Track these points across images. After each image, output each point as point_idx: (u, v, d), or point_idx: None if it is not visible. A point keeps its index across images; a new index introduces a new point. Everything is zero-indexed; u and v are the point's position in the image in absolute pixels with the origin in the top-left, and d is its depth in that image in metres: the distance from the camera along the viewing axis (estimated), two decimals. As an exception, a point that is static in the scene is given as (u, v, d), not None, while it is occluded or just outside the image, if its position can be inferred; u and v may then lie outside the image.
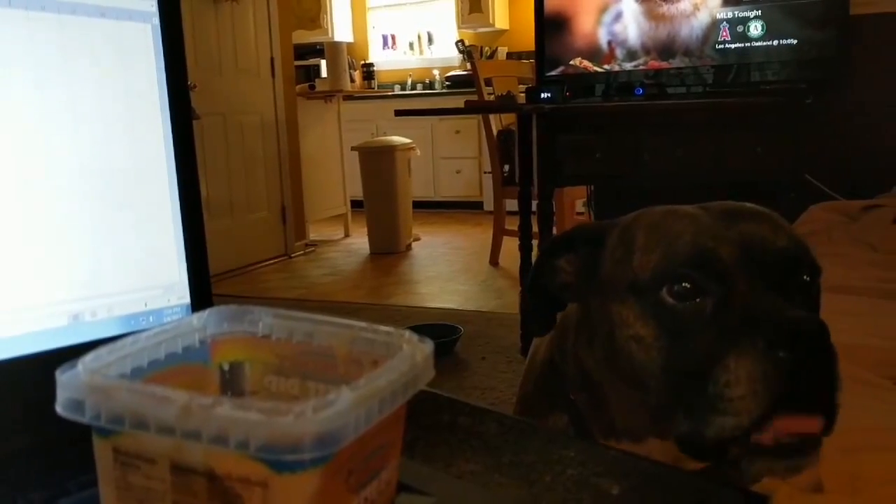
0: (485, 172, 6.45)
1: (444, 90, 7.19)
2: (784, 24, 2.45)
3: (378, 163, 4.97)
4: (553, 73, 2.79)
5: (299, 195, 5.15)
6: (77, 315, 0.56)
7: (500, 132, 4.29)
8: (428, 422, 0.58)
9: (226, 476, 0.31)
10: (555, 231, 2.72)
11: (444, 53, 7.55)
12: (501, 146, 4.26)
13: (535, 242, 2.73)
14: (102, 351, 0.36)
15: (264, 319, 0.43)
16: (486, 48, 7.24)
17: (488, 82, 4.10)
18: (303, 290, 4.10)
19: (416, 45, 7.77)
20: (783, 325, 0.57)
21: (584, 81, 2.76)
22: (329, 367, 0.41)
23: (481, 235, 5.29)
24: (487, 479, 0.49)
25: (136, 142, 0.60)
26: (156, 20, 0.60)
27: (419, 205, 5.81)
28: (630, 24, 2.66)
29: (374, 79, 7.47)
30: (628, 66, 2.68)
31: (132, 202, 0.60)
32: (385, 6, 7.79)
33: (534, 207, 2.65)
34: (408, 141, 5.15)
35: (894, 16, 2.70)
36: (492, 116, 4.38)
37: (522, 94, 3.28)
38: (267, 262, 4.77)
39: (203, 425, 0.30)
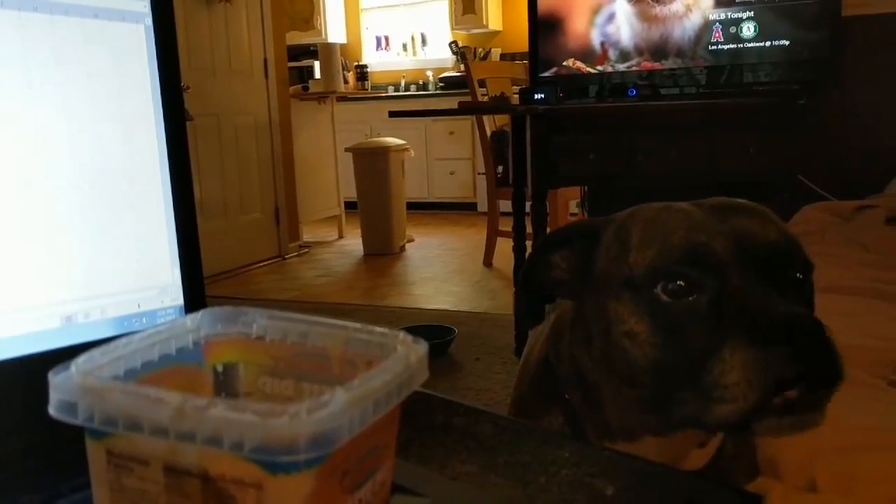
0: (478, 173, 6.45)
1: (437, 91, 7.19)
2: (777, 25, 2.46)
3: (372, 164, 4.97)
4: (546, 74, 2.79)
5: (293, 196, 5.14)
6: (70, 317, 0.56)
7: (493, 133, 4.30)
8: (423, 423, 0.58)
9: (220, 477, 0.31)
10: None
11: (437, 54, 7.55)
12: (495, 147, 4.27)
13: (528, 243, 2.73)
14: (95, 352, 0.36)
15: (258, 321, 0.42)
16: (480, 49, 7.24)
17: (482, 83, 4.10)
18: (296, 291, 4.10)
19: (409, 47, 7.77)
20: (777, 320, 0.58)
21: (577, 82, 2.76)
22: (323, 368, 0.41)
23: (475, 236, 5.29)
24: (482, 480, 0.49)
25: (129, 143, 0.60)
26: (148, 21, 0.60)
27: (413, 206, 5.81)
28: (623, 26, 2.66)
29: (367, 80, 7.46)
30: (621, 67, 2.68)
31: (125, 203, 0.60)
32: (378, 7, 7.78)
33: (528, 208, 2.65)
34: (401, 142, 5.15)
35: (886, 17, 2.71)
36: (485, 117, 4.38)
37: (516, 96, 3.28)
38: (260, 264, 4.76)
39: (197, 427, 0.30)
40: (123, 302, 0.59)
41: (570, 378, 0.78)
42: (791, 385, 0.57)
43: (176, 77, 0.63)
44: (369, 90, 7.42)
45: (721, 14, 2.52)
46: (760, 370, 0.57)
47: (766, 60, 2.49)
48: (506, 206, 3.25)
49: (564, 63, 2.77)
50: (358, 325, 0.40)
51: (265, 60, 4.88)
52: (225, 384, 0.42)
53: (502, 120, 4.20)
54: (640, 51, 2.65)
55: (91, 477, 0.34)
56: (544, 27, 2.79)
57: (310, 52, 6.97)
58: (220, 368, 0.42)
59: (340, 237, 5.67)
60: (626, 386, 0.68)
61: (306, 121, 5.41)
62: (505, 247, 3.79)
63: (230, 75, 4.61)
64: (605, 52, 2.70)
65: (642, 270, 0.65)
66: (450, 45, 7.22)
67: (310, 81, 6.13)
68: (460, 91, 5.90)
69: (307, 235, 5.46)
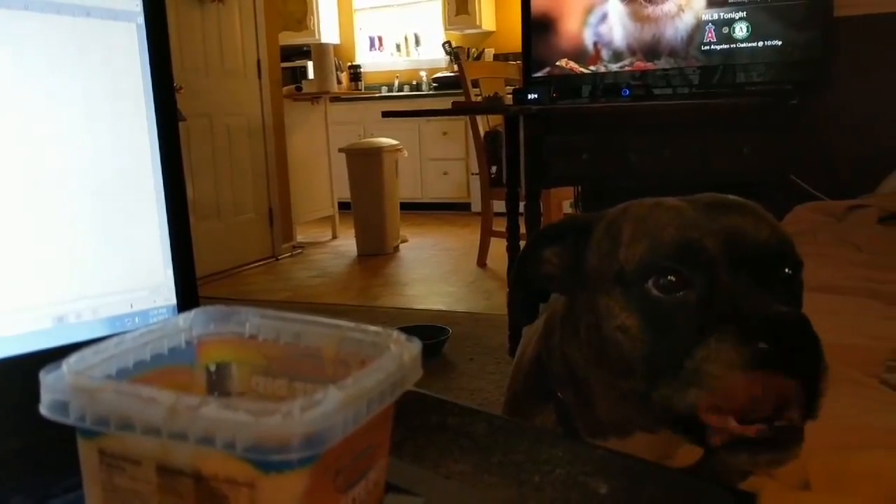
0: (472, 174, 6.46)
1: (431, 91, 7.19)
2: (769, 25, 2.47)
3: (365, 164, 4.96)
4: (539, 74, 2.79)
5: (286, 197, 5.13)
6: (62, 317, 0.55)
7: (487, 133, 4.30)
8: (416, 422, 0.58)
9: (212, 477, 0.31)
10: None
11: (430, 55, 7.55)
12: (488, 147, 4.27)
13: (522, 243, 2.72)
14: (87, 352, 0.36)
15: (251, 320, 0.42)
16: (473, 49, 7.25)
17: (475, 83, 4.10)
18: (290, 292, 4.09)
19: (402, 47, 7.77)
20: (764, 318, 0.58)
21: (570, 82, 2.77)
22: (317, 367, 0.40)
23: (469, 237, 5.29)
24: (476, 480, 0.49)
25: (121, 143, 0.60)
26: (140, 20, 0.60)
27: (406, 206, 5.81)
28: (615, 26, 2.67)
29: (360, 80, 7.46)
30: (614, 67, 2.69)
31: (117, 203, 0.59)
32: (372, 8, 7.78)
33: (521, 208, 2.65)
34: (395, 142, 5.15)
35: (877, 17, 2.72)
36: (479, 118, 4.38)
37: (509, 96, 3.28)
38: (254, 264, 4.76)
39: (189, 426, 0.30)
40: (115, 302, 0.59)
41: (562, 375, 0.78)
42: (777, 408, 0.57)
43: (168, 77, 0.63)
44: (363, 90, 7.42)
45: (713, 14, 2.53)
46: (744, 366, 0.57)
47: (759, 61, 2.50)
48: (499, 206, 3.25)
49: (557, 63, 2.77)
50: (351, 325, 0.40)
51: (258, 61, 4.88)
52: (218, 384, 0.42)
53: (496, 120, 4.21)
54: (632, 51, 2.65)
55: (83, 477, 0.34)
56: (538, 27, 2.80)
57: (303, 52, 6.96)
58: (212, 368, 0.42)
59: (334, 238, 5.67)
60: (618, 379, 0.69)
61: (300, 121, 5.40)
62: (499, 247, 3.79)
63: (223, 75, 4.60)
64: (597, 52, 2.71)
65: (633, 266, 0.66)
66: (443, 45, 7.23)
67: (303, 82, 6.13)
68: (454, 91, 5.91)
69: (301, 236, 5.45)
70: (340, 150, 5.15)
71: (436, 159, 6.91)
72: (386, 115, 3.14)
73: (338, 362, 0.40)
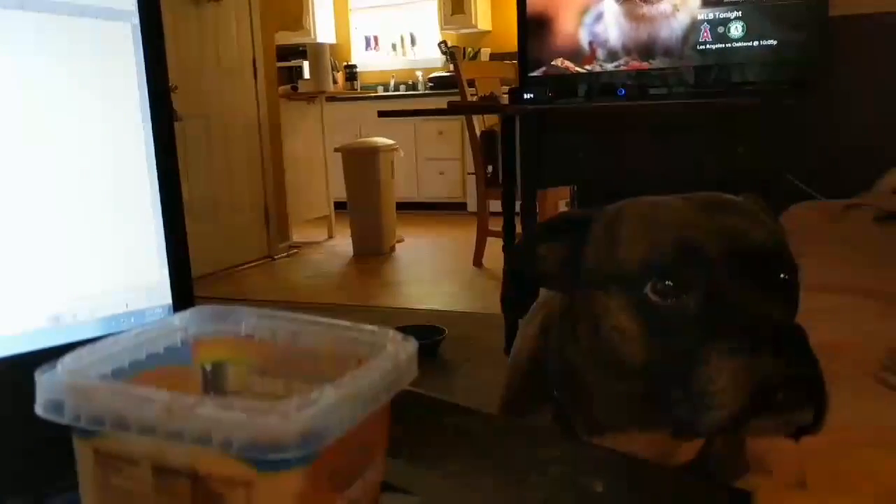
0: (468, 173, 6.45)
1: (427, 91, 7.18)
2: (764, 25, 2.47)
3: (361, 164, 4.96)
4: (535, 73, 2.79)
5: (282, 197, 5.13)
6: (57, 316, 0.55)
7: (483, 133, 4.30)
8: (413, 421, 0.58)
9: (208, 476, 0.31)
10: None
11: (426, 54, 7.55)
12: (485, 147, 4.27)
13: (518, 243, 2.72)
14: (82, 352, 0.36)
15: (247, 320, 0.42)
16: (469, 49, 7.25)
17: (471, 83, 4.10)
18: (286, 292, 4.09)
19: (398, 47, 7.76)
20: (764, 329, 0.58)
21: (566, 82, 2.77)
22: (313, 366, 0.40)
23: (465, 236, 5.28)
24: (473, 479, 0.49)
25: (116, 143, 0.60)
26: (135, 19, 0.60)
27: (403, 206, 5.80)
28: (611, 25, 2.67)
29: (357, 80, 7.45)
30: (609, 66, 2.69)
31: (113, 203, 0.59)
32: (368, 7, 7.77)
33: (517, 208, 2.65)
34: (391, 142, 5.14)
35: (872, 17, 2.73)
36: (475, 117, 4.38)
37: (505, 95, 3.28)
38: (250, 264, 4.75)
39: (185, 425, 0.30)
40: (111, 301, 0.59)
41: (559, 374, 0.78)
42: (776, 390, 0.58)
43: (163, 76, 0.63)
44: (359, 90, 7.41)
45: (709, 14, 2.53)
46: (746, 376, 0.57)
47: (754, 60, 2.50)
48: (495, 205, 3.25)
49: (553, 63, 2.77)
50: (347, 324, 0.40)
51: (254, 60, 4.87)
52: (213, 383, 0.42)
53: (492, 120, 4.21)
54: (627, 50, 2.66)
55: (79, 477, 0.34)
56: (533, 27, 2.80)
57: (299, 52, 6.95)
58: (208, 368, 0.42)
59: (330, 238, 5.66)
60: (616, 380, 0.68)
61: (295, 121, 5.39)
62: (495, 247, 3.79)
63: (219, 75, 4.60)
64: (593, 51, 2.71)
65: (632, 266, 0.65)
66: (439, 45, 7.22)
67: (299, 81, 6.12)
68: (450, 91, 5.90)
69: (297, 236, 5.44)
70: (336, 150, 5.15)
71: (432, 159, 6.90)
72: (382, 114, 3.14)
73: (334, 361, 0.40)
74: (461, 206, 6.75)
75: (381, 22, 7.76)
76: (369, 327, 0.40)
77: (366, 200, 4.94)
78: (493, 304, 3.52)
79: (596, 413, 0.75)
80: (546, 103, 2.62)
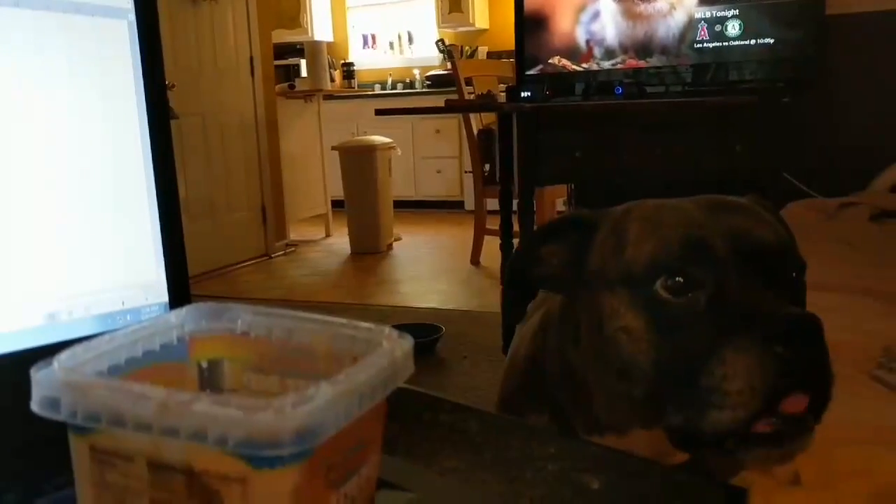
0: (465, 172, 6.45)
1: (424, 90, 7.18)
2: (761, 23, 2.47)
3: (359, 162, 4.96)
4: (532, 71, 2.79)
5: (279, 195, 5.13)
6: (53, 314, 0.55)
7: (480, 131, 4.30)
8: (409, 419, 0.58)
9: (204, 473, 0.31)
10: (535, 230, 2.72)
11: (424, 53, 7.54)
12: (482, 145, 4.27)
13: (516, 241, 2.73)
14: (78, 349, 0.36)
15: (243, 317, 0.42)
16: (467, 47, 7.24)
17: (469, 82, 4.10)
18: (283, 290, 4.09)
19: (396, 45, 7.76)
20: (781, 321, 0.58)
21: (563, 80, 2.77)
22: (309, 364, 0.40)
23: (462, 235, 5.29)
24: (468, 476, 0.50)
25: (113, 140, 0.60)
26: (131, 16, 0.60)
27: (400, 204, 5.80)
28: (608, 23, 2.67)
29: (354, 78, 7.44)
30: (606, 64, 2.69)
31: (109, 201, 0.59)
32: (365, 6, 7.76)
33: (515, 207, 2.65)
34: (388, 140, 5.14)
35: (869, 15, 2.73)
36: (472, 116, 4.38)
37: (503, 94, 3.28)
38: (247, 263, 4.75)
39: (181, 422, 0.30)
40: (107, 299, 0.59)
41: (558, 375, 0.78)
42: (787, 392, 0.57)
43: (160, 74, 0.63)
44: (356, 88, 7.41)
45: (706, 12, 2.53)
46: (764, 376, 0.57)
47: (751, 58, 2.50)
48: (493, 204, 3.25)
49: (550, 61, 2.77)
50: (343, 321, 0.40)
51: (251, 58, 4.86)
52: (209, 380, 0.42)
53: (489, 118, 4.20)
54: (624, 49, 2.66)
55: (74, 473, 0.34)
56: (530, 25, 2.80)
57: (296, 50, 6.95)
58: (204, 365, 0.42)
59: (327, 236, 5.66)
60: (618, 381, 0.68)
61: (293, 119, 5.39)
62: (492, 245, 3.79)
63: (216, 73, 4.59)
64: (590, 49, 2.71)
65: (640, 265, 0.65)
66: (436, 43, 7.22)
67: (296, 80, 6.11)
68: (447, 89, 5.90)
69: (294, 234, 5.44)
70: (334, 148, 5.14)
71: (429, 157, 6.90)
72: (379, 112, 3.14)
73: (330, 359, 0.40)
74: (458, 205, 6.75)
75: (379, 20, 7.76)
76: (365, 324, 0.40)
77: (363, 199, 4.94)
78: (491, 303, 3.54)
79: (596, 413, 0.75)
80: (543, 101, 2.62)
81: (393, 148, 5.15)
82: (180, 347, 0.41)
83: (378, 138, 5.12)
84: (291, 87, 5.68)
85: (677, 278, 0.63)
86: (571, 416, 0.78)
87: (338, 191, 5.25)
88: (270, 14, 5.28)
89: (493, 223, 3.26)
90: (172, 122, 0.62)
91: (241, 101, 4.81)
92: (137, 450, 0.32)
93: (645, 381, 0.65)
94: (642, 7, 2.60)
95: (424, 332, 2.95)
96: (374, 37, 7.84)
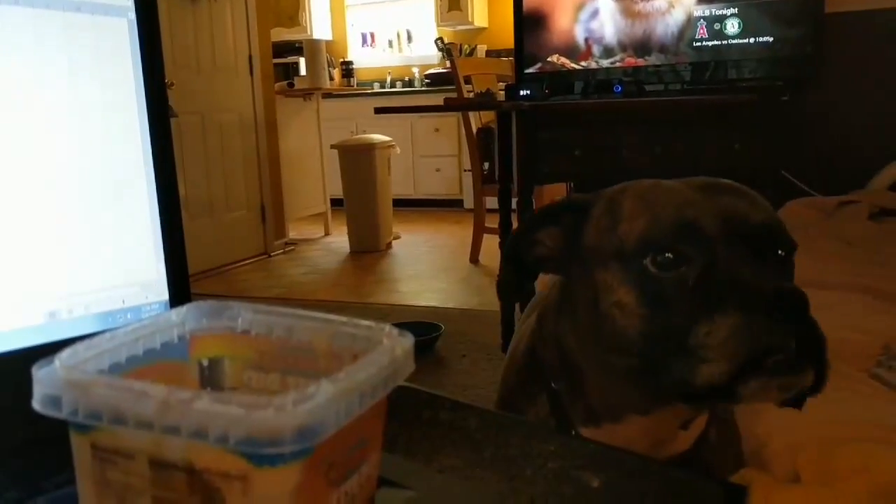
0: (464, 170, 6.45)
1: (423, 88, 7.18)
2: (760, 21, 2.47)
3: (358, 161, 4.96)
4: (531, 69, 2.79)
5: (279, 194, 5.12)
6: (54, 312, 0.55)
7: (479, 130, 4.30)
8: (409, 417, 0.58)
9: (205, 470, 0.31)
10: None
11: (423, 51, 7.54)
12: (481, 144, 4.27)
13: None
14: (79, 347, 0.36)
15: (243, 315, 0.42)
16: (466, 46, 7.24)
17: (468, 80, 4.10)
18: (282, 289, 4.09)
19: (395, 43, 7.75)
20: (766, 292, 0.59)
21: (562, 79, 2.77)
22: (309, 361, 0.41)
23: (461, 233, 5.29)
24: (468, 474, 0.50)
25: (112, 139, 0.60)
26: (132, 15, 0.60)
27: (399, 203, 5.81)
28: (606, 22, 2.67)
29: (353, 77, 7.44)
30: (605, 63, 2.69)
31: (109, 199, 0.59)
32: (364, 4, 7.76)
33: (514, 205, 2.65)
34: (387, 139, 5.14)
35: (868, 13, 2.73)
36: (471, 114, 4.38)
37: (502, 92, 3.28)
38: (246, 261, 4.75)
39: (182, 420, 0.30)
40: (108, 298, 0.59)
41: (555, 363, 0.79)
42: (775, 352, 0.58)
43: (160, 73, 0.63)
44: (355, 87, 7.41)
45: (704, 10, 2.53)
46: (747, 335, 0.58)
47: (750, 57, 2.50)
48: (492, 202, 3.25)
49: (549, 59, 2.77)
50: (343, 319, 0.40)
51: (250, 57, 4.86)
52: (210, 378, 0.42)
53: (488, 116, 4.20)
54: (623, 47, 2.66)
55: (76, 471, 0.34)
56: (529, 23, 2.80)
57: (295, 48, 6.94)
58: (205, 363, 0.42)
59: (326, 234, 5.66)
60: (614, 356, 0.69)
61: (292, 118, 5.39)
62: (491, 243, 3.79)
63: (215, 72, 4.59)
64: (588, 48, 2.71)
65: (632, 241, 0.66)
66: (435, 41, 7.21)
67: (295, 78, 6.11)
68: (446, 88, 5.90)
69: (293, 233, 5.44)
70: (333, 147, 5.14)
71: (428, 156, 6.90)
72: (378, 111, 3.14)
73: (330, 357, 0.40)
74: (458, 203, 6.75)
75: (378, 18, 7.75)
76: (365, 323, 0.40)
77: (362, 197, 4.94)
78: (490, 301, 3.53)
79: (592, 400, 0.76)
80: (542, 100, 2.62)
81: (392, 146, 5.15)
82: (181, 346, 0.41)
83: (377, 137, 5.12)
84: (290, 85, 5.68)
85: (667, 254, 0.64)
86: (569, 406, 0.78)
87: (337, 189, 5.25)
88: (269, 12, 5.28)
89: (493, 221, 3.26)
90: (171, 121, 0.62)
91: (240, 100, 4.81)
92: (139, 448, 0.32)
93: (636, 354, 0.66)
94: (641, 5, 2.60)
95: (424, 330, 2.95)
96: (372, 35, 7.83)
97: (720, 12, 2.51)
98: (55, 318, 0.55)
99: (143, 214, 0.62)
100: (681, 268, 0.64)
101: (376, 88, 7.54)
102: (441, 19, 7.21)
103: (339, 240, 5.31)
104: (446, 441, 0.54)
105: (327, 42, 7.10)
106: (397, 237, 5.31)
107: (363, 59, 7.80)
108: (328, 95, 6.21)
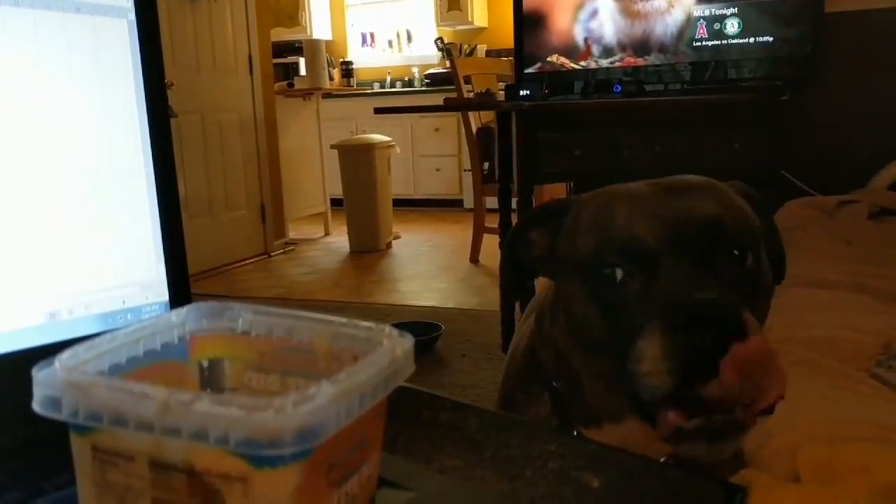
0: (464, 170, 6.45)
1: (423, 88, 7.18)
2: (760, 21, 2.47)
3: (357, 161, 4.96)
4: (531, 69, 2.79)
5: (279, 194, 5.13)
6: (54, 313, 0.55)
7: (479, 130, 4.30)
8: (409, 417, 0.58)
9: (206, 472, 0.31)
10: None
11: (423, 51, 7.54)
12: (481, 144, 4.27)
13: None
14: (79, 348, 0.36)
15: (244, 316, 0.42)
16: (466, 46, 7.24)
17: (467, 80, 4.10)
18: (282, 289, 4.09)
19: (395, 43, 7.75)
20: (683, 309, 0.60)
21: (562, 78, 2.77)
22: (309, 362, 0.41)
23: (461, 233, 5.29)
24: (469, 474, 0.50)
25: (113, 140, 0.60)
26: (131, 15, 0.60)
27: (399, 203, 5.81)
28: (606, 22, 2.67)
29: (353, 76, 7.44)
30: (604, 62, 2.69)
31: (109, 199, 0.59)
32: (363, 4, 7.76)
33: (514, 205, 2.65)
34: (387, 139, 5.14)
35: (867, 13, 2.73)
36: (471, 114, 4.38)
37: (501, 92, 3.28)
38: (246, 261, 4.75)
39: (182, 421, 0.30)
40: (108, 298, 0.59)
41: (553, 364, 0.79)
42: (709, 371, 0.58)
43: (160, 73, 0.63)
44: (355, 87, 7.41)
45: (704, 10, 2.53)
46: (671, 357, 0.59)
47: (750, 57, 2.50)
48: (492, 202, 3.25)
49: (549, 59, 2.77)
50: (343, 320, 0.40)
51: (250, 57, 4.86)
52: (210, 379, 0.42)
53: (488, 116, 4.20)
54: (623, 47, 2.66)
55: (76, 473, 0.34)
56: (529, 23, 2.79)
57: (295, 48, 6.94)
58: (205, 364, 0.42)
59: (326, 234, 5.66)
60: (595, 360, 0.71)
61: (291, 118, 5.39)
62: (491, 243, 3.79)
63: (214, 72, 4.59)
64: (588, 47, 2.71)
65: (588, 255, 0.69)
66: (435, 41, 7.22)
67: (295, 78, 6.11)
68: (446, 87, 5.90)
69: (293, 233, 5.44)
70: (332, 147, 5.14)
71: (428, 156, 6.90)
72: (378, 111, 3.14)
73: (330, 357, 0.40)
74: (457, 203, 6.75)
75: (377, 18, 7.75)
76: (365, 323, 0.40)
77: (362, 197, 4.94)
78: (490, 301, 3.53)
79: (590, 401, 0.76)
80: (542, 100, 2.62)
81: (392, 146, 5.15)
82: (181, 346, 0.41)
83: (377, 137, 5.12)
84: (290, 85, 5.68)
85: (616, 269, 0.66)
86: (570, 406, 0.78)
87: (337, 189, 5.25)
88: (269, 12, 5.28)
89: (492, 221, 3.26)
90: (171, 121, 0.62)
91: (240, 100, 4.81)
92: (139, 449, 0.32)
93: (607, 362, 0.67)
94: (640, 5, 2.60)
95: (424, 330, 2.95)
96: (372, 35, 7.83)
97: (720, 12, 2.51)
98: (55, 318, 0.55)
99: (143, 215, 0.62)
100: (627, 282, 0.66)
101: (376, 88, 7.54)
102: (441, 19, 7.21)
103: (339, 240, 5.31)
104: (446, 441, 0.54)
105: (327, 42, 7.10)
106: (397, 237, 5.32)
107: (363, 59, 7.80)
108: (328, 95, 6.21)
